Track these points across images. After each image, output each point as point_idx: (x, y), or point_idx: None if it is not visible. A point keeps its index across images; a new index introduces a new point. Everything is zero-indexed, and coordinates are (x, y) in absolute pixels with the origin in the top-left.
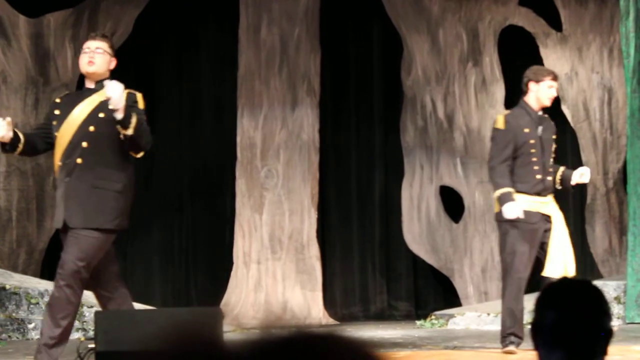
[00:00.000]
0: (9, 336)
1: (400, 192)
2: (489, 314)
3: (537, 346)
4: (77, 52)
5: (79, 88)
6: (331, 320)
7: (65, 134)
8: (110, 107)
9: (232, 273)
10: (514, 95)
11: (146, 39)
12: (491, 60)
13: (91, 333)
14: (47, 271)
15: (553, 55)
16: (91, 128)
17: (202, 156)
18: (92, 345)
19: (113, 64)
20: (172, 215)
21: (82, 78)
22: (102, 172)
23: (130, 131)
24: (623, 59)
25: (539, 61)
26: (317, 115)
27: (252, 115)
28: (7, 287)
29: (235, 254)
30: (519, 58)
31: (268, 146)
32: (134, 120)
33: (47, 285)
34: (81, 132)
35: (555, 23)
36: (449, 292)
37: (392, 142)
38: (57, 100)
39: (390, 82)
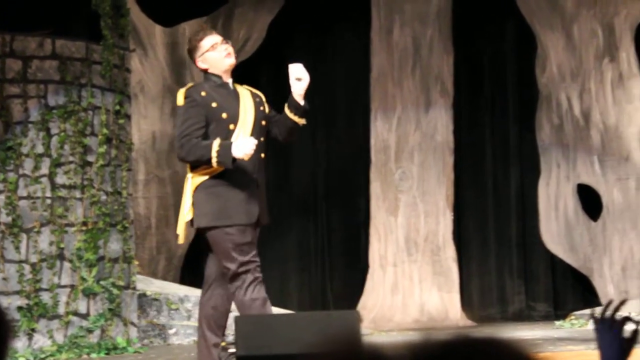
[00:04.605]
0: (151, 342)
1: (537, 191)
2: (630, 314)
3: None
4: None
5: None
6: (469, 322)
7: (243, 129)
8: (297, 92)
9: (369, 276)
10: None
11: (279, 43)
12: (628, 56)
13: (231, 338)
14: (186, 277)
15: None
16: (263, 123)
17: (336, 159)
18: (233, 350)
19: None
20: (308, 218)
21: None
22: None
23: (304, 120)
24: None
25: None
26: (451, 116)
27: (385, 118)
28: (148, 293)
29: (371, 256)
30: None
31: (402, 148)
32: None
33: (186, 291)
34: (258, 127)
35: None
36: (588, 291)
37: (527, 141)
38: (203, 93)
39: (525, 80)
